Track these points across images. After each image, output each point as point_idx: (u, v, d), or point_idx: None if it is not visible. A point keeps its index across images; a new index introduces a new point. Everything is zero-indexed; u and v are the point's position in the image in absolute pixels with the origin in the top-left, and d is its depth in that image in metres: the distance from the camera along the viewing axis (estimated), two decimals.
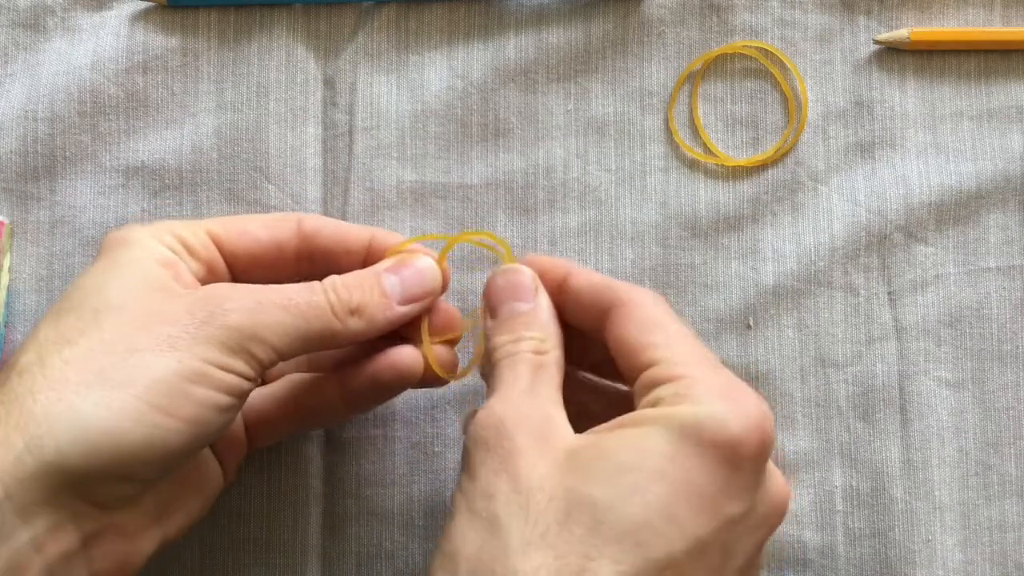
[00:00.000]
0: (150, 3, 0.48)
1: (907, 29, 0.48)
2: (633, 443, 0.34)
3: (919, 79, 0.49)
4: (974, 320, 0.48)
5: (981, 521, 0.47)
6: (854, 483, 0.47)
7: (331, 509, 0.47)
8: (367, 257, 0.42)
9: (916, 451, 0.47)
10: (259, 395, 0.43)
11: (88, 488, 0.34)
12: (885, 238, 0.48)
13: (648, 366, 0.36)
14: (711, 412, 0.34)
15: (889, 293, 0.48)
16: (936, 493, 0.47)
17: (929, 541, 0.47)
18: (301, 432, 0.46)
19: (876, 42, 0.49)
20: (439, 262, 0.42)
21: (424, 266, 0.41)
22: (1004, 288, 0.48)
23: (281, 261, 0.42)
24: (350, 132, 0.48)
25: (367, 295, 0.39)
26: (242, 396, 0.37)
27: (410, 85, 0.48)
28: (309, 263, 0.42)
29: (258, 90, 0.48)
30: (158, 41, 0.48)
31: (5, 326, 0.46)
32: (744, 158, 0.48)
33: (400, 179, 0.48)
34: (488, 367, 0.39)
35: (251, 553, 0.47)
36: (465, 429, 0.37)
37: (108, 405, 0.34)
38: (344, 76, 0.49)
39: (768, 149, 0.48)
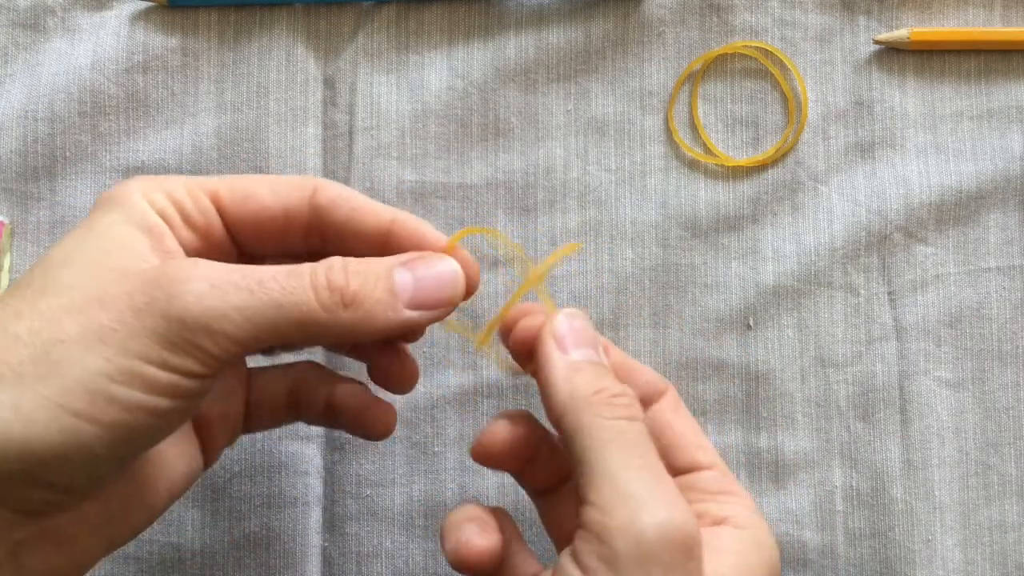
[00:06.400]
0: (150, 3, 0.48)
1: (907, 29, 0.48)
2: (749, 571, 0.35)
3: (919, 79, 0.49)
4: (974, 320, 0.48)
5: (981, 521, 0.47)
6: (854, 483, 0.47)
7: (331, 509, 0.47)
8: (384, 243, 0.37)
9: (916, 451, 0.47)
10: (265, 375, 0.41)
11: (4, 494, 0.31)
12: (885, 238, 0.48)
13: (705, 467, 0.38)
14: (776, 548, 0.37)
15: (889, 293, 0.48)
16: (936, 493, 0.47)
17: (929, 541, 0.47)
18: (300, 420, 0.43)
19: (876, 42, 0.49)
20: (468, 264, 0.37)
21: (447, 270, 0.36)
22: (1004, 288, 0.48)
23: (290, 232, 0.37)
24: (350, 132, 0.48)
25: (369, 286, 0.34)
26: (188, 396, 0.32)
27: (410, 85, 0.48)
28: (320, 239, 0.37)
29: (258, 90, 0.48)
30: (158, 41, 0.48)
31: None
32: (744, 158, 0.48)
33: (400, 179, 0.48)
34: (573, 418, 0.34)
35: (251, 553, 0.47)
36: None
37: (18, 407, 0.30)
38: (344, 76, 0.49)
39: (768, 149, 0.48)
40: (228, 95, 0.48)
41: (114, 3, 0.49)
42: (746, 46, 0.49)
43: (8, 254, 0.47)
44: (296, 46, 0.48)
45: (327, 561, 0.47)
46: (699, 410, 0.47)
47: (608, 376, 0.35)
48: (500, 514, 0.38)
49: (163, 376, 0.31)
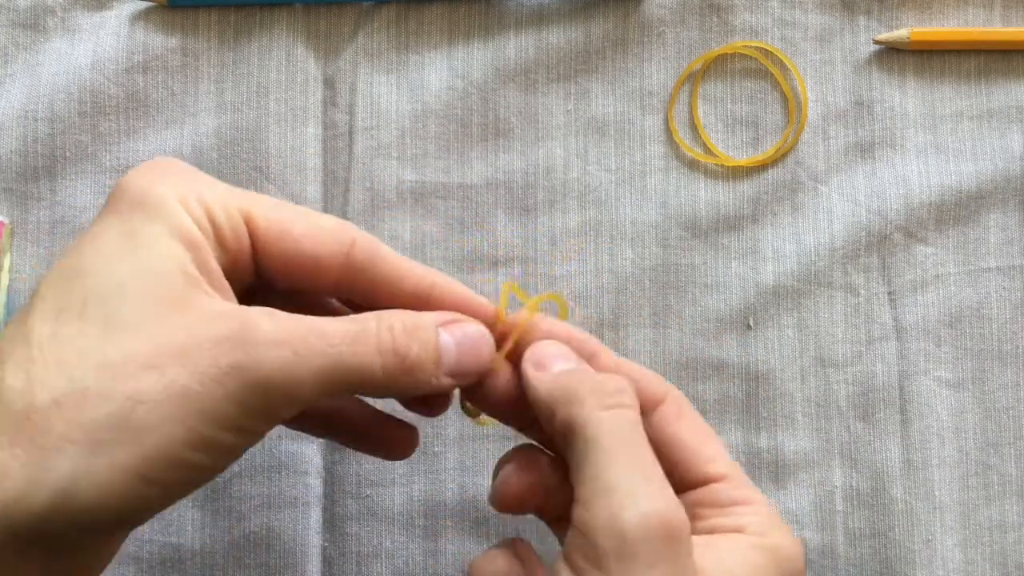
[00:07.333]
0: (150, 3, 0.48)
1: (907, 29, 0.48)
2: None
3: (919, 79, 0.49)
4: (974, 320, 0.48)
5: (981, 521, 0.47)
6: (854, 483, 0.47)
7: (331, 509, 0.47)
8: (421, 308, 0.36)
9: (916, 451, 0.47)
10: None
11: (60, 545, 0.32)
12: (885, 238, 0.48)
13: (715, 479, 0.36)
14: (795, 552, 0.35)
15: (889, 293, 0.48)
16: (936, 493, 0.47)
17: (929, 541, 0.47)
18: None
19: (876, 42, 0.49)
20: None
21: (480, 335, 0.35)
22: (1004, 288, 0.48)
23: (319, 276, 0.36)
24: (350, 132, 0.48)
25: (424, 353, 0.34)
26: (245, 450, 0.33)
27: (410, 85, 0.48)
28: (348, 289, 0.37)
29: (258, 90, 0.48)
30: (158, 41, 0.48)
31: (5, 326, 0.46)
32: (744, 158, 0.48)
33: (400, 179, 0.48)
34: (564, 412, 0.33)
35: (251, 553, 0.47)
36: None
37: (95, 476, 0.30)
38: (344, 76, 0.49)
39: (768, 149, 0.49)
40: (228, 95, 0.48)
41: (114, 3, 0.49)
42: (746, 46, 0.49)
43: (8, 254, 0.47)
44: (296, 46, 0.48)
45: (327, 561, 0.47)
46: (699, 410, 0.47)
47: (592, 373, 0.35)
48: (524, 550, 0.36)
49: (233, 440, 0.31)
